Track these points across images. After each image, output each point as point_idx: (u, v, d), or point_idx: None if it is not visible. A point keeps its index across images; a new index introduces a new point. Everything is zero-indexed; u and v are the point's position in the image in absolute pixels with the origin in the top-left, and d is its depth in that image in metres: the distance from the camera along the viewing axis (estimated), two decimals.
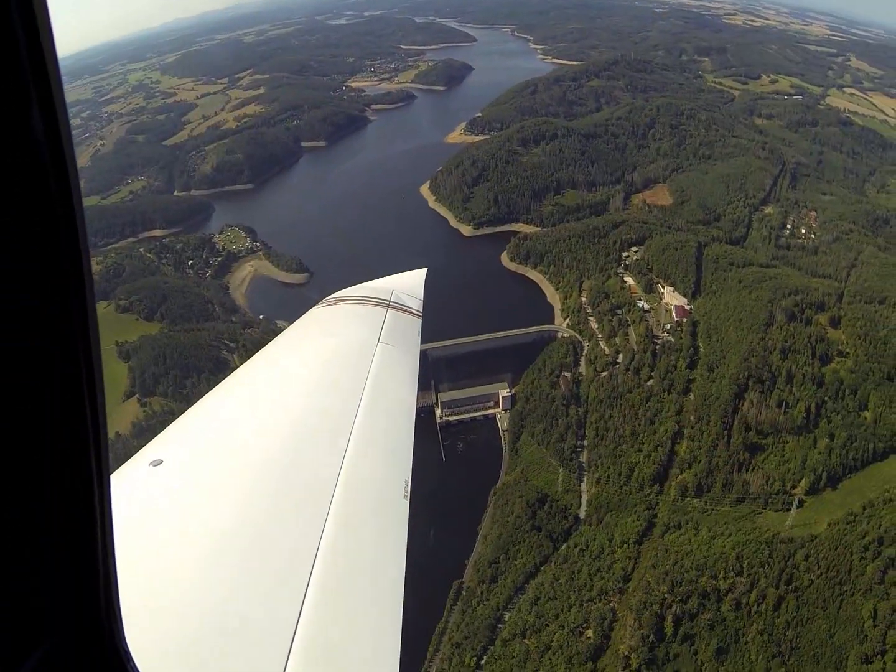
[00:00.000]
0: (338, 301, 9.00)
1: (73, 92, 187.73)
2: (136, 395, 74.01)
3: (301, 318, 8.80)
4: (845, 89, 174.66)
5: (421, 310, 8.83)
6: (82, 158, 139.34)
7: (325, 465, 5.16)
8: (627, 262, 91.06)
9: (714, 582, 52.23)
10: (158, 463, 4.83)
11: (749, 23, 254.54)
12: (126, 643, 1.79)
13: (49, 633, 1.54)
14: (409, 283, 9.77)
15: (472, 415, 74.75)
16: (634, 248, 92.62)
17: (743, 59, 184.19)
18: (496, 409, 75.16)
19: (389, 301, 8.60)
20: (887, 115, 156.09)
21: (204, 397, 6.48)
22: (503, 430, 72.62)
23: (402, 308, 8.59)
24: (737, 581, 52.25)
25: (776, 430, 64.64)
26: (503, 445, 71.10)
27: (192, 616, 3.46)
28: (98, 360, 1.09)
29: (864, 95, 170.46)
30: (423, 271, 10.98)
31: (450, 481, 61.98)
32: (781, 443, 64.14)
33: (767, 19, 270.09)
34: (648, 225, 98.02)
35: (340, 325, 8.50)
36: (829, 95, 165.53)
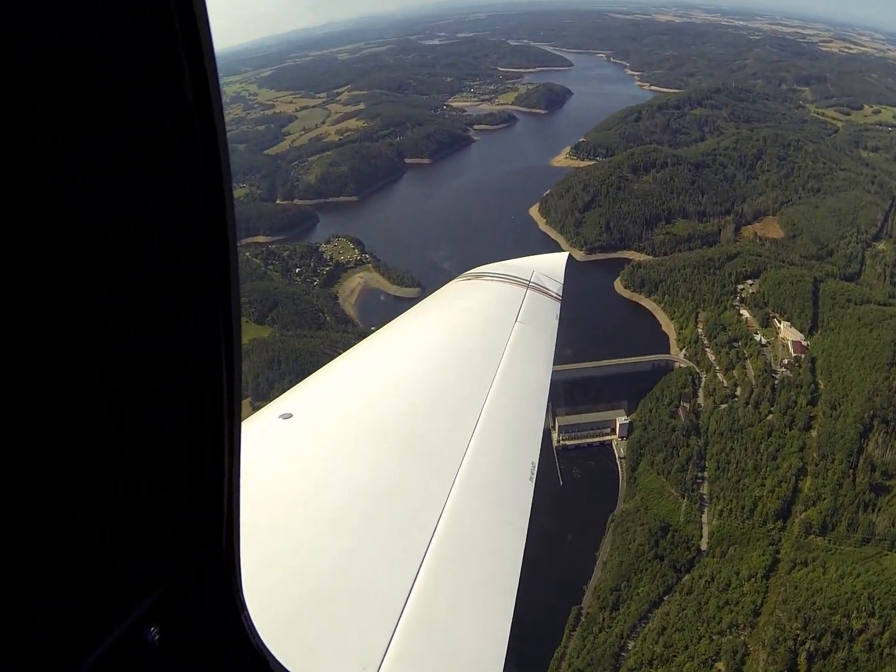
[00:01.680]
0: (477, 276, 8.84)
1: None
2: (249, 398, 75.32)
3: (439, 290, 8.85)
4: None
5: (560, 294, 8.47)
6: None
7: (454, 436, 5.05)
8: (743, 295, 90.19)
9: (846, 621, 51.19)
10: (288, 416, 4.86)
11: (845, 50, 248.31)
12: (242, 593, 1.84)
13: (168, 574, 1.61)
14: (551, 266, 9.38)
15: (588, 440, 74.49)
16: (749, 281, 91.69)
17: (844, 88, 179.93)
18: (613, 436, 74.88)
19: (529, 281, 8.22)
20: None
21: (336, 359, 6.64)
22: (620, 458, 72.39)
23: (541, 290, 8.22)
24: (869, 622, 51.37)
25: None
26: (620, 472, 70.98)
27: (307, 572, 3.48)
28: (238, 318, 1.16)
29: None
30: (564, 254, 10.91)
31: (567, 505, 61.82)
32: None
33: (863, 46, 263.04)
34: (762, 258, 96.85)
35: (479, 300, 8.25)
36: None
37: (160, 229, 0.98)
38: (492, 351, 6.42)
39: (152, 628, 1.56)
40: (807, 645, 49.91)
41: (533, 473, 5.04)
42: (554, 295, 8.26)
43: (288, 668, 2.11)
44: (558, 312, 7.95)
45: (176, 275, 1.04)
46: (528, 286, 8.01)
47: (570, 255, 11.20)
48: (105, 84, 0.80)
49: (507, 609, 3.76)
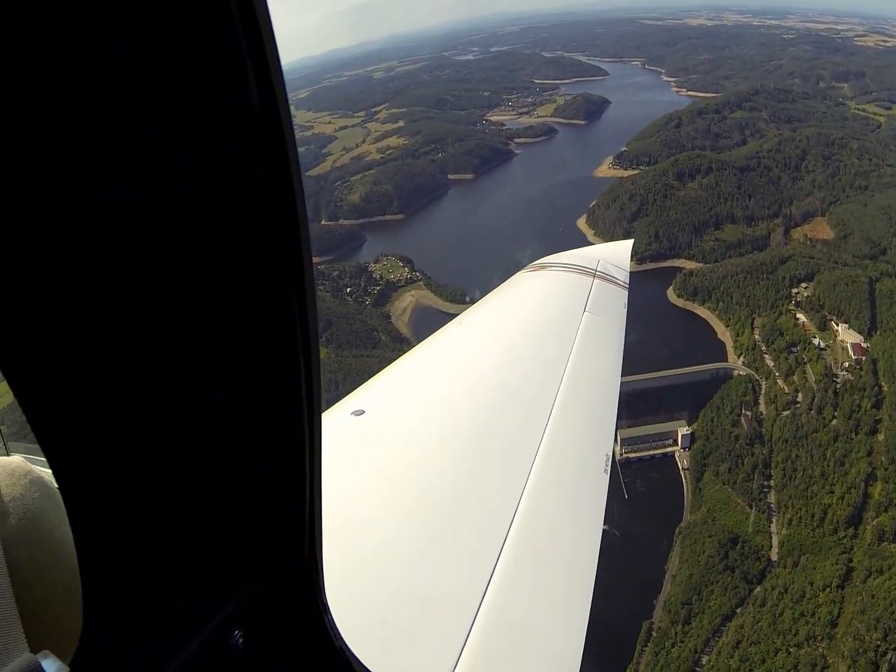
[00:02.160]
0: (542, 267, 8.74)
1: None
2: None
3: (505, 282, 8.68)
4: None
5: (627, 282, 8.31)
6: None
7: (528, 429, 4.96)
8: (798, 299, 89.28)
9: None
10: (360, 413, 4.84)
11: (881, 44, 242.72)
12: (325, 596, 1.82)
13: (253, 576, 1.61)
14: (616, 254, 9.21)
15: (650, 452, 74.11)
16: (804, 285, 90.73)
17: (883, 82, 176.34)
18: (675, 447, 74.36)
19: (596, 270, 8.10)
20: None
21: (405, 355, 6.58)
22: (684, 469, 71.85)
23: (608, 278, 8.08)
24: None
25: None
26: (684, 484, 70.43)
27: (384, 572, 3.44)
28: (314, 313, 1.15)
29: None
30: (629, 242, 10.62)
31: (633, 518, 61.38)
32: None
33: None
34: (815, 260, 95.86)
35: (546, 291, 8.19)
36: None
37: (242, 230, 0.97)
38: (562, 341, 6.38)
39: (236, 631, 1.57)
40: (888, 656, 49.02)
41: (607, 465, 5.03)
42: (621, 283, 8.18)
43: (371, 670, 2.13)
44: (626, 301, 7.85)
45: (251, 270, 1.03)
46: (594, 275, 7.97)
47: (634, 241, 11.08)
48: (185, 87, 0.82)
49: (585, 606, 3.74)
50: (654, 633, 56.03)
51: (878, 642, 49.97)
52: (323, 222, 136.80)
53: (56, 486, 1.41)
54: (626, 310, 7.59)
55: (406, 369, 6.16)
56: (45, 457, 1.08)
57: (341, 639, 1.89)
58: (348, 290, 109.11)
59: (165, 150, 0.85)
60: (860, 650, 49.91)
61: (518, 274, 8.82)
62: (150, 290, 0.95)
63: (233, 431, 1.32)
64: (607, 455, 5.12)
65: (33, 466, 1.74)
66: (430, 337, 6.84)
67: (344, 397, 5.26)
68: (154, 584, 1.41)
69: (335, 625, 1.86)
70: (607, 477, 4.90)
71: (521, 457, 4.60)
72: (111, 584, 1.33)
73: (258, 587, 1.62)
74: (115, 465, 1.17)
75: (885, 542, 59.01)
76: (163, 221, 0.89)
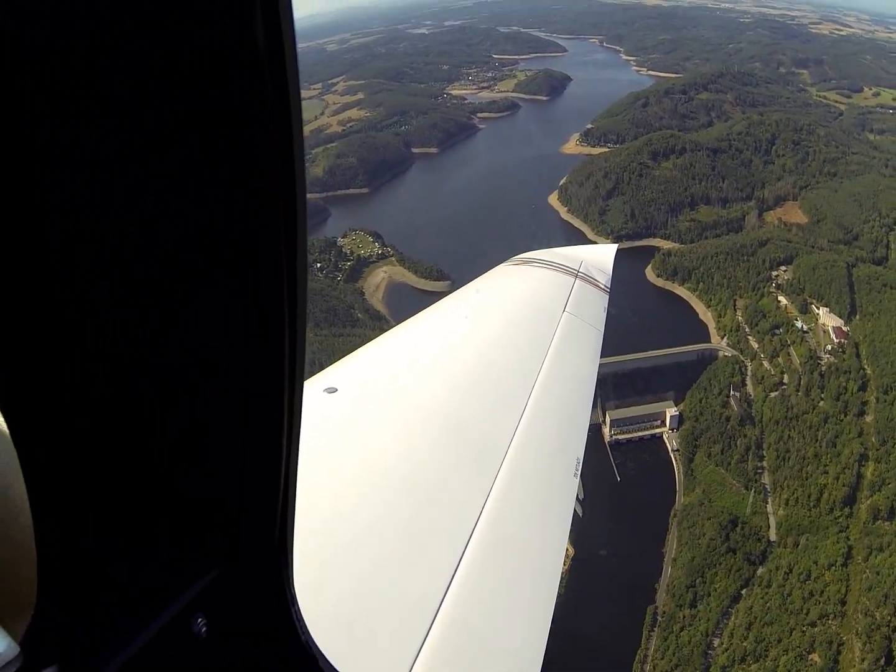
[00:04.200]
0: (525, 262, 8.71)
1: None
2: None
3: (487, 273, 8.65)
4: None
5: (609, 286, 8.36)
6: None
7: (500, 426, 4.93)
8: (778, 282, 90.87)
9: None
10: (333, 391, 4.76)
11: (835, 32, 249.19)
12: (293, 586, 1.76)
13: (219, 559, 1.53)
14: (599, 257, 9.28)
15: (639, 434, 74.49)
16: (783, 268, 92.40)
17: (841, 70, 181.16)
18: (663, 429, 74.93)
19: (578, 271, 8.11)
20: None
21: (381, 336, 6.59)
22: (674, 450, 72.29)
23: (590, 280, 8.13)
24: None
25: None
26: (675, 465, 70.85)
27: (346, 563, 3.38)
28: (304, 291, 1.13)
29: None
30: (613, 246, 10.69)
31: (626, 501, 62.28)
32: None
33: (851, 27, 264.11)
34: (793, 244, 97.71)
35: (527, 286, 8.20)
36: None
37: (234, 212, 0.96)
38: (538, 341, 6.33)
39: (199, 618, 1.50)
40: None
41: (578, 469, 5.00)
42: (602, 287, 8.22)
43: (337, 668, 2.00)
44: (606, 305, 7.89)
45: (238, 253, 1.01)
46: (576, 276, 7.96)
47: (617, 247, 10.98)
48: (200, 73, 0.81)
49: (547, 610, 3.70)
50: (660, 618, 56.28)
51: (890, 618, 51.42)
52: None
53: (7, 432, 1.32)
54: (605, 314, 7.66)
55: (382, 351, 6.14)
56: (3, 414, 1.06)
57: (308, 633, 1.86)
58: (318, 265, 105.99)
59: (167, 150, 0.84)
60: (873, 626, 51.23)
61: (500, 266, 8.83)
62: (148, 288, 0.94)
63: (206, 405, 1.28)
64: (578, 459, 5.15)
65: None
66: (408, 320, 6.81)
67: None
68: (113, 559, 1.36)
69: (302, 618, 1.83)
70: (577, 481, 4.92)
71: (492, 453, 4.59)
72: (68, 556, 1.28)
73: (224, 571, 1.54)
74: (78, 434, 1.13)
75: (880, 521, 60.73)
76: (163, 221, 0.89)
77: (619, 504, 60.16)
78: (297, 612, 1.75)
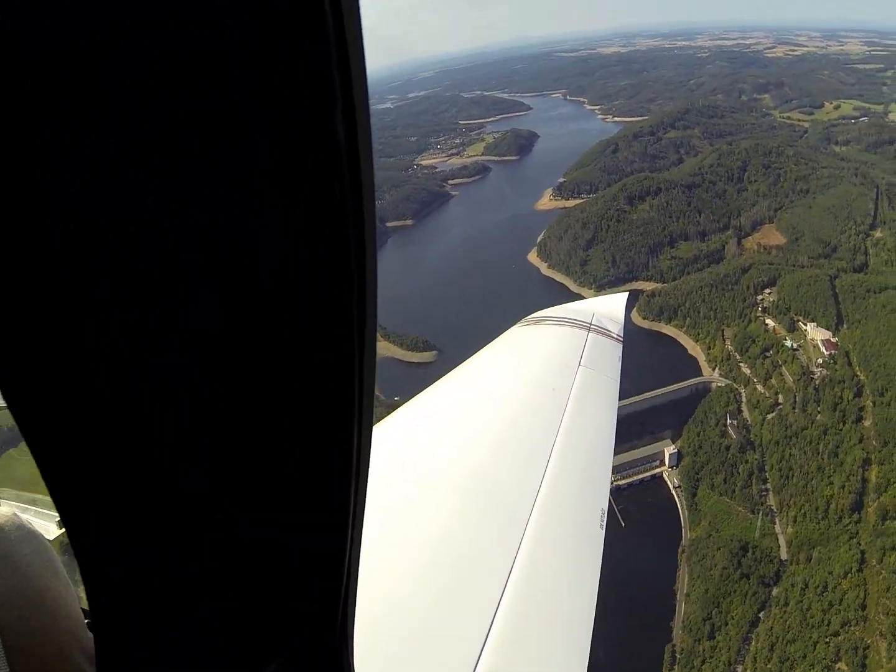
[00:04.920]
0: (536, 321, 8.69)
1: None
2: None
3: (499, 337, 8.53)
4: None
5: (622, 335, 8.21)
6: None
7: (523, 485, 5.02)
8: (764, 305, 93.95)
9: None
10: None
11: (790, 53, 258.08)
12: (353, 665, 1.62)
13: (283, 649, 1.45)
14: (609, 307, 9.05)
15: (640, 476, 76.24)
16: (767, 290, 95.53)
17: (801, 89, 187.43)
18: (663, 468, 77.01)
19: (591, 324, 8.05)
20: None
21: (397, 410, 6.48)
22: (675, 487, 74.33)
23: (603, 332, 8.03)
24: None
25: None
26: (679, 502, 72.82)
27: (383, 629, 3.45)
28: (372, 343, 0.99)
29: None
30: (624, 295, 10.42)
31: (632, 545, 62.18)
32: None
33: (805, 46, 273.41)
34: (775, 266, 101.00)
35: (541, 345, 8.21)
36: (890, 112, 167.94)
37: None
38: (558, 396, 6.37)
39: None
40: None
41: (603, 521, 5.12)
42: (615, 336, 8.14)
43: None
44: (620, 354, 7.83)
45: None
46: (589, 328, 7.92)
47: (628, 294, 10.99)
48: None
49: (583, 662, 3.83)
50: (679, 655, 57.78)
51: None
52: None
53: (47, 540, 1.48)
54: (620, 363, 7.64)
55: (399, 423, 6.17)
56: (50, 492, 1.04)
57: None
58: None
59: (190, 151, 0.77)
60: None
61: (512, 328, 8.73)
62: (152, 290, 0.91)
63: (266, 474, 1.14)
64: (603, 510, 5.27)
65: (23, 518, 1.65)
66: (424, 391, 6.85)
67: None
68: (172, 655, 1.33)
69: None
70: (603, 532, 5.05)
71: (517, 513, 4.71)
72: (125, 651, 1.28)
73: (288, 661, 1.50)
74: (122, 504, 1.09)
75: (889, 521, 62.73)
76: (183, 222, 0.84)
77: (624, 549, 61.08)
78: None
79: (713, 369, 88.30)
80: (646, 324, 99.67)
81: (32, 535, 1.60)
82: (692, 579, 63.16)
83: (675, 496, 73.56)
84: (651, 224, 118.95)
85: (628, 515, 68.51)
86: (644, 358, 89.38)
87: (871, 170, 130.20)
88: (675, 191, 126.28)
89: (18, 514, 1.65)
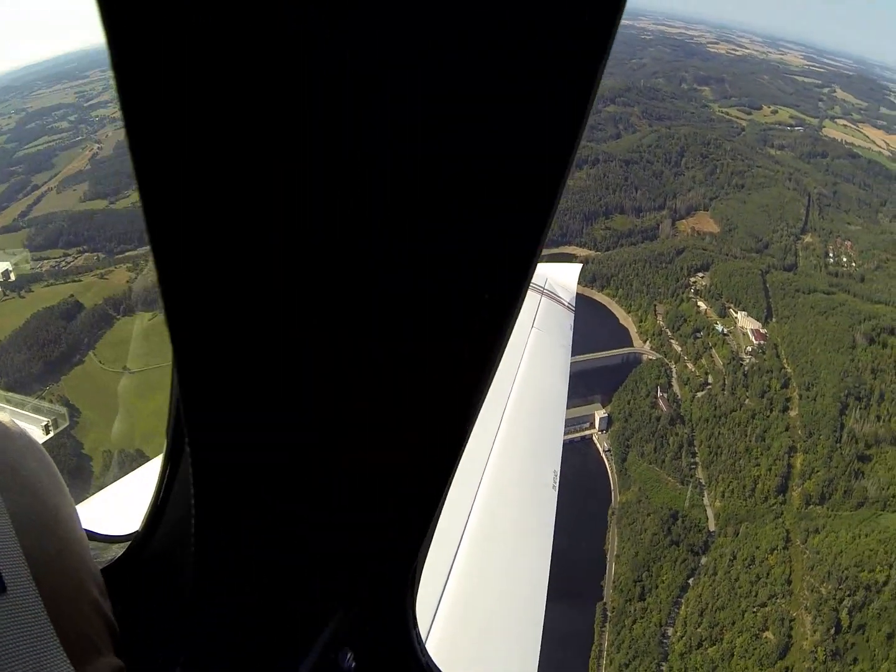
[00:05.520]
0: None
1: (55, 96, 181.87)
2: None
3: None
4: (837, 120, 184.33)
5: (573, 305, 8.47)
6: (79, 162, 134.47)
7: (476, 444, 4.85)
8: (696, 288, 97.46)
9: (872, 575, 57.63)
10: None
11: (732, 52, 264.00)
12: (415, 608, 1.72)
13: (361, 589, 1.54)
14: (563, 276, 9.38)
15: (569, 436, 75.74)
16: (700, 274, 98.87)
17: (741, 88, 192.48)
18: (592, 430, 79.11)
19: (544, 288, 8.16)
20: (881, 147, 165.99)
21: None
22: (605, 451, 76.60)
23: (555, 298, 8.19)
24: (891, 573, 57.58)
25: (877, 442, 71.80)
26: (608, 466, 75.18)
27: None
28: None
29: (856, 127, 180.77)
30: (578, 266, 10.90)
31: (560, 504, 64.58)
32: (883, 452, 71.18)
33: (747, 48, 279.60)
34: (709, 252, 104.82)
35: None
36: (824, 126, 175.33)
37: None
38: (510, 354, 5.98)
39: (348, 652, 1.58)
40: (844, 602, 56.12)
41: (556, 482, 5.24)
42: (567, 305, 8.32)
43: None
44: (572, 323, 8.01)
45: None
46: (542, 293, 7.98)
47: (582, 266, 11.46)
48: None
49: (538, 618, 3.95)
50: (610, 613, 60.13)
51: (834, 591, 57.12)
52: None
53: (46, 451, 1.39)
54: (571, 332, 7.80)
55: None
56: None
57: (427, 654, 1.89)
58: None
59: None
60: (821, 601, 56.97)
61: None
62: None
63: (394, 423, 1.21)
64: (555, 471, 5.42)
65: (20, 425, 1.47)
66: None
67: None
68: (265, 586, 1.42)
69: (422, 639, 1.87)
70: (555, 493, 5.19)
71: (470, 472, 4.68)
72: (221, 583, 1.38)
73: (364, 603, 1.60)
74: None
75: (812, 506, 67.33)
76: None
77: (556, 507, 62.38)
78: (418, 634, 1.81)
79: (644, 342, 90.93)
80: (578, 288, 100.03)
81: (35, 446, 1.44)
82: (622, 541, 65.60)
83: (605, 459, 75.88)
84: (587, 192, 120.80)
85: (559, 476, 70.20)
86: (576, 321, 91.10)
87: (804, 177, 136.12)
88: (612, 164, 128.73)
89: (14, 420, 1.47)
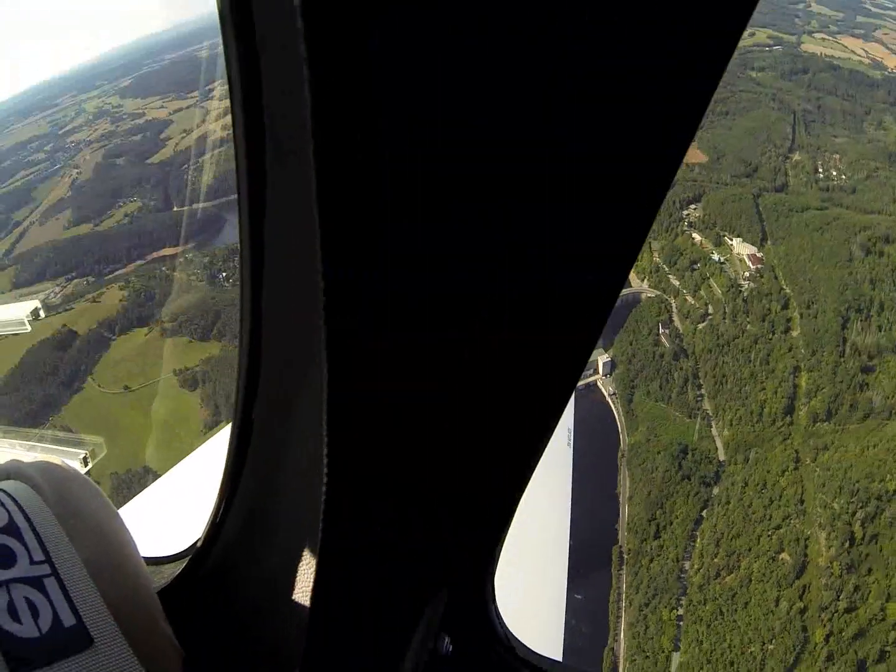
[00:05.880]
0: None
1: (28, 129, 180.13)
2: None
3: None
4: (815, 34, 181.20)
5: None
6: (60, 189, 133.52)
7: None
8: (690, 220, 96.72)
9: (883, 485, 57.83)
10: None
11: None
12: (494, 582, 1.75)
13: (454, 575, 1.56)
14: None
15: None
16: (693, 206, 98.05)
17: None
18: (596, 376, 78.53)
19: None
20: (860, 56, 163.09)
21: None
22: (611, 395, 76.50)
23: None
24: None
25: (879, 352, 71.56)
26: (614, 409, 75.03)
27: None
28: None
29: (834, 39, 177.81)
30: None
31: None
32: (886, 361, 70.91)
33: None
34: (699, 183, 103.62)
35: None
36: (803, 42, 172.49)
37: None
38: None
39: (445, 637, 1.62)
40: (857, 515, 56.33)
41: (570, 439, 5.26)
42: None
43: (533, 650, 2.11)
44: None
45: None
46: None
47: None
48: None
49: (563, 565, 3.99)
50: (626, 555, 60.70)
51: (847, 505, 57.34)
52: (176, 209, 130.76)
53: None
54: None
55: None
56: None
57: (505, 625, 1.91)
58: (223, 274, 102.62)
59: None
60: (834, 517, 57.23)
61: None
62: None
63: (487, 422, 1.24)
64: (569, 429, 5.47)
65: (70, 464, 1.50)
66: None
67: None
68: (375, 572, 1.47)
69: (500, 612, 1.89)
70: (570, 450, 5.24)
71: None
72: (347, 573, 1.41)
73: (457, 587, 1.62)
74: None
75: (819, 423, 67.37)
76: None
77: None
78: (496, 607, 1.83)
79: (642, 280, 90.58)
80: None
81: (89, 484, 1.45)
82: (634, 482, 65.78)
83: (611, 403, 75.63)
84: None
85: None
86: None
87: (786, 96, 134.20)
88: None
89: (66, 460, 1.48)
